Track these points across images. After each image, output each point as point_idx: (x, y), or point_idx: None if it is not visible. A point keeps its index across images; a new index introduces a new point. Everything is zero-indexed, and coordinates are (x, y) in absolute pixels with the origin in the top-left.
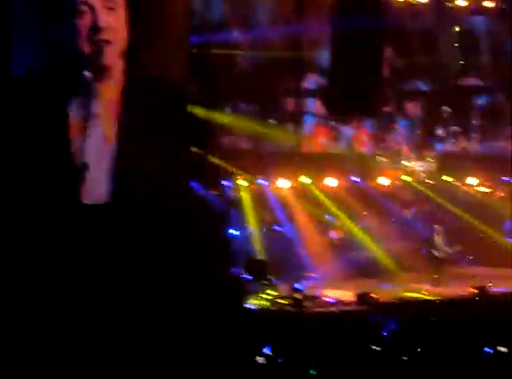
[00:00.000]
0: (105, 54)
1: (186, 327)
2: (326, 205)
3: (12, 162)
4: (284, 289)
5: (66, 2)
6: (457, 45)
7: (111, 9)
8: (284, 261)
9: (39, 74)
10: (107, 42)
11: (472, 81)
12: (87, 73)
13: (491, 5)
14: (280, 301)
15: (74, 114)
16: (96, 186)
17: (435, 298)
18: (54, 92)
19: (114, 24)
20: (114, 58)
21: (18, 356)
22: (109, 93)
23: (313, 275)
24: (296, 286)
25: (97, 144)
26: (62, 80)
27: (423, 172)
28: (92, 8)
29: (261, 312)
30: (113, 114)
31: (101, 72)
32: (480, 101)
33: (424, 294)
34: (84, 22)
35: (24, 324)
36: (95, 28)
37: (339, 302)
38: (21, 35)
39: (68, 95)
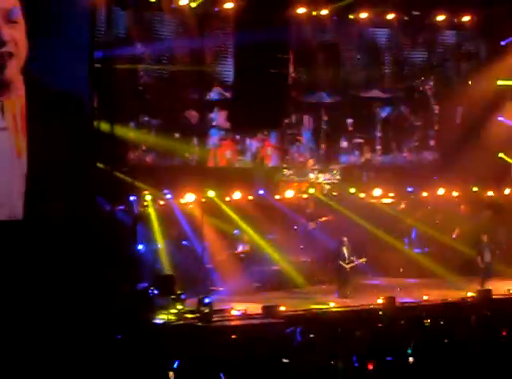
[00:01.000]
0: (8, 68)
1: (93, 342)
2: (233, 219)
3: None
4: (191, 303)
5: None
6: (359, 57)
7: (12, 22)
8: (191, 276)
9: None
10: (10, 55)
11: (376, 93)
12: None
13: (392, 17)
14: (188, 315)
15: None
16: (9, 202)
17: (342, 309)
18: None
19: (17, 38)
20: (16, 72)
21: None
22: (13, 107)
23: (220, 288)
24: (204, 300)
25: (8, 158)
26: None
27: (327, 184)
28: None
29: (169, 326)
30: (21, 127)
31: (3, 86)
32: (383, 113)
33: (331, 306)
34: None
35: None
36: None
37: (246, 315)
38: None
39: None
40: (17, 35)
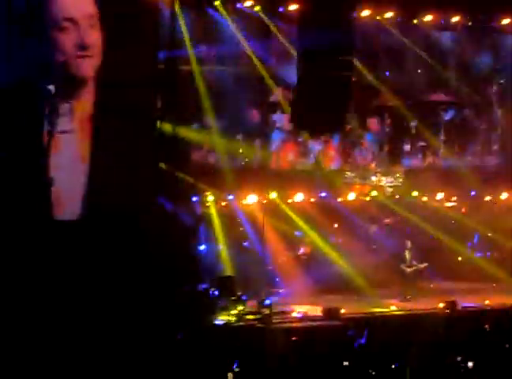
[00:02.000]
0: (84, 70)
1: (154, 343)
2: (294, 221)
3: None
4: (252, 305)
5: (49, 18)
6: (424, 60)
7: (92, 26)
8: (252, 277)
9: (16, 88)
10: (89, 57)
11: (440, 97)
12: (52, 88)
13: (457, 20)
14: (248, 316)
15: (48, 130)
16: (70, 203)
17: (404, 312)
18: (29, 107)
19: (94, 41)
20: (91, 74)
21: None
22: (83, 109)
23: (281, 290)
24: (264, 301)
25: (71, 161)
26: (38, 95)
27: (390, 187)
28: (76, 25)
29: (229, 327)
30: (86, 131)
31: (78, 86)
32: (447, 116)
33: (392, 310)
34: (68, 38)
35: None
36: (81, 45)
37: (307, 318)
38: (3, 48)
39: (43, 111)
40: (96, 40)
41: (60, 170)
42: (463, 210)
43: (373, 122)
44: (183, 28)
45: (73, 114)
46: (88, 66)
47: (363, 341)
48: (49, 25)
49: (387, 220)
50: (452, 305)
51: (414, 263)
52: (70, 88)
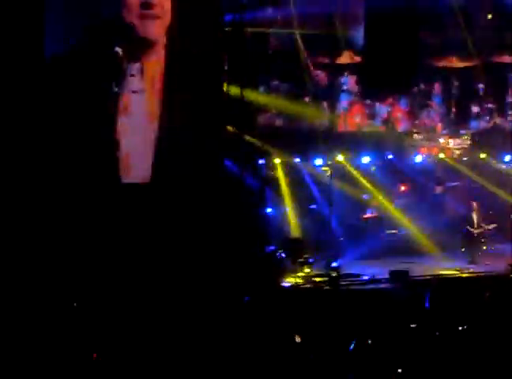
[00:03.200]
0: (153, 30)
1: (222, 304)
2: (362, 184)
3: (51, 140)
4: (319, 267)
5: None
6: (491, 22)
7: None
8: (319, 240)
9: (85, 46)
10: (157, 17)
11: (507, 58)
12: (119, 50)
13: None
14: (315, 279)
15: (115, 92)
16: (138, 165)
17: (471, 275)
18: (101, 65)
19: (161, 1)
20: (160, 34)
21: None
22: (152, 69)
23: (348, 253)
24: (332, 264)
25: (141, 122)
26: (108, 53)
27: (457, 149)
28: None
29: (297, 289)
30: (157, 90)
31: (147, 47)
32: None
33: (460, 272)
34: None
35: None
36: (146, 4)
37: (373, 280)
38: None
39: (114, 69)
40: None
41: (130, 130)
42: None
43: (440, 84)
44: None
45: (144, 74)
46: (156, 27)
47: (429, 304)
48: None
49: (455, 183)
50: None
51: (481, 225)
52: (139, 48)
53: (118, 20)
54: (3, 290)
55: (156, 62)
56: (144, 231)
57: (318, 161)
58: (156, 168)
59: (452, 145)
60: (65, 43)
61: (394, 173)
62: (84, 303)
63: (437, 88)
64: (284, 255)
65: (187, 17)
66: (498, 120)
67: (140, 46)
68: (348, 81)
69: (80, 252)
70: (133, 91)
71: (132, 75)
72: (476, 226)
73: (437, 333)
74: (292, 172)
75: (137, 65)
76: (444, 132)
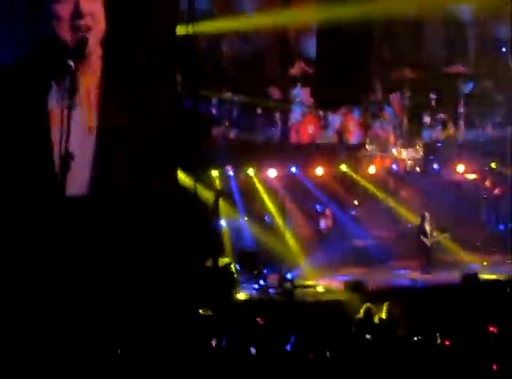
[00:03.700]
0: (85, 41)
1: (174, 319)
2: (315, 195)
3: None
4: (273, 279)
5: None
6: (443, 33)
7: None
8: (273, 251)
9: (19, 62)
10: (88, 28)
11: (459, 69)
12: (69, 61)
13: None
14: (269, 290)
15: (55, 104)
16: (79, 178)
17: (424, 284)
18: (35, 81)
19: (94, 11)
20: (94, 46)
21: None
22: (88, 81)
23: (302, 264)
24: (286, 275)
25: (79, 135)
26: (42, 68)
27: (410, 160)
28: None
29: (251, 302)
30: (93, 103)
31: (81, 59)
32: (467, 88)
33: (414, 282)
34: (66, 9)
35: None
36: (77, 14)
37: (329, 291)
38: (2, 22)
39: (48, 84)
40: (95, 9)
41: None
42: (487, 183)
43: (392, 96)
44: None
45: (79, 87)
46: (90, 39)
47: (384, 314)
48: None
49: (406, 192)
50: (472, 277)
51: (433, 234)
52: (75, 61)
53: (53, 32)
54: None
55: (91, 75)
56: (91, 245)
57: (272, 172)
58: (97, 181)
59: (405, 156)
60: (12, 54)
61: (348, 184)
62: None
63: (390, 98)
64: (238, 267)
65: (132, 27)
66: (451, 130)
67: (74, 59)
68: (301, 93)
69: (20, 267)
70: (71, 104)
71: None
72: (429, 236)
73: (393, 344)
74: (246, 184)
75: (73, 77)
76: (397, 142)
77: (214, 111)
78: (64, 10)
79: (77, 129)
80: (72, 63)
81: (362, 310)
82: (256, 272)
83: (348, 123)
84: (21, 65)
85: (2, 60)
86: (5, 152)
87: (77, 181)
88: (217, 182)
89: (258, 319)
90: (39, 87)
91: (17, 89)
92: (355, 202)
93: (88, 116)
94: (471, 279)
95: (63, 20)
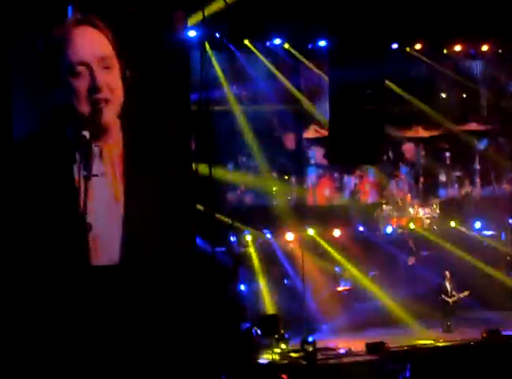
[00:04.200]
0: (104, 114)
1: None
2: (333, 256)
3: (17, 226)
4: (295, 342)
5: (63, 64)
6: (456, 90)
7: (107, 68)
8: (294, 315)
9: (39, 136)
10: (106, 101)
11: (472, 126)
12: (86, 134)
13: (486, 48)
14: (292, 354)
15: (78, 175)
16: (107, 248)
17: (447, 344)
18: (56, 154)
19: (111, 84)
20: (112, 117)
21: None
22: (111, 153)
23: (323, 327)
24: (308, 338)
25: (106, 205)
26: (62, 142)
27: (427, 218)
28: (89, 68)
29: (274, 366)
30: (119, 173)
31: (101, 131)
32: (481, 145)
33: (436, 341)
34: (82, 83)
35: None
36: (94, 88)
37: (350, 353)
38: (22, 97)
39: (70, 156)
40: (112, 81)
41: (95, 214)
42: (503, 238)
43: (408, 154)
44: (216, 68)
45: (103, 156)
46: (108, 111)
47: (407, 374)
48: (65, 71)
49: (426, 252)
50: (495, 334)
51: (454, 293)
52: (95, 132)
53: (71, 105)
54: None
55: (113, 145)
56: (115, 313)
57: (289, 235)
58: (126, 249)
59: (422, 215)
60: (31, 126)
61: (366, 245)
62: None
63: (405, 157)
64: (259, 331)
65: (147, 97)
66: (468, 188)
67: (96, 130)
68: (316, 155)
69: (50, 338)
70: (94, 175)
71: (91, 158)
72: (450, 294)
73: None
74: (264, 248)
75: (95, 149)
76: (413, 201)
77: (229, 176)
78: (80, 84)
79: (102, 198)
80: (87, 134)
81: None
82: (277, 335)
83: (363, 184)
84: (40, 139)
85: (21, 134)
86: (36, 217)
87: (106, 251)
88: (236, 247)
89: (283, 376)
90: (62, 156)
91: (37, 162)
92: (374, 261)
93: (114, 186)
94: (493, 335)
95: (80, 93)
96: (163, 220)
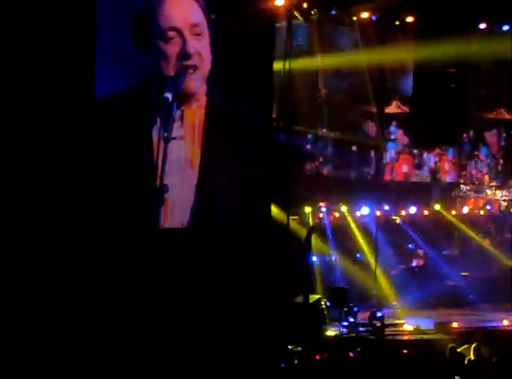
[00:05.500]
0: (192, 80)
1: (265, 354)
2: (407, 233)
3: (94, 181)
4: (364, 316)
5: (154, 28)
6: None
7: (198, 35)
8: (364, 289)
9: (123, 96)
10: (195, 67)
11: None
12: (169, 96)
13: None
14: (359, 328)
15: (157, 137)
16: (179, 211)
17: None
18: (138, 115)
19: (201, 51)
20: (199, 83)
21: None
22: (193, 117)
23: (394, 303)
24: (376, 313)
25: (181, 169)
26: (146, 103)
27: (504, 201)
28: (180, 34)
29: (341, 339)
30: (198, 137)
31: (186, 95)
32: None
33: (505, 324)
34: (173, 48)
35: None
36: (184, 54)
37: (418, 331)
38: (108, 58)
39: (152, 116)
40: (202, 48)
41: (171, 177)
42: None
43: (489, 135)
44: (300, 38)
45: (184, 121)
46: (195, 77)
47: (472, 356)
48: (156, 36)
49: (500, 233)
50: None
51: None
52: (180, 96)
53: (160, 69)
54: None
55: (196, 109)
56: (185, 277)
57: (365, 210)
58: (197, 214)
59: (499, 197)
60: (114, 87)
61: (441, 224)
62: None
63: (486, 139)
64: (328, 304)
65: (232, 65)
66: None
67: (180, 95)
68: (396, 131)
69: (116, 296)
70: (173, 138)
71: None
72: None
73: None
74: (339, 221)
75: (178, 112)
76: (492, 183)
77: (309, 147)
78: (171, 49)
79: (179, 162)
80: (170, 96)
81: (449, 351)
82: (346, 308)
83: (442, 163)
84: (127, 96)
85: (104, 95)
86: (106, 178)
87: (177, 214)
88: (310, 218)
89: (350, 353)
90: (143, 118)
91: (122, 118)
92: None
93: (191, 150)
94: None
95: (170, 58)
96: (238, 188)
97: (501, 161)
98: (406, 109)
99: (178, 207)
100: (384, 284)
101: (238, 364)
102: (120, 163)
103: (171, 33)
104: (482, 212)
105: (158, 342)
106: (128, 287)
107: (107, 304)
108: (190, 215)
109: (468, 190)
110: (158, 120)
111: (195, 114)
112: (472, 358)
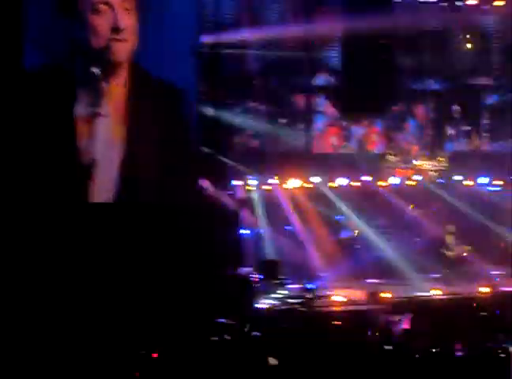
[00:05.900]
0: (119, 53)
1: (194, 328)
2: (337, 205)
3: (17, 155)
4: (294, 289)
5: (84, 1)
6: (467, 44)
7: (127, 9)
8: (294, 261)
9: (50, 68)
10: (124, 41)
11: (483, 80)
12: (98, 71)
13: (501, 4)
14: (290, 300)
15: (82, 111)
16: (104, 186)
17: (446, 297)
18: (64, 88)
19: (130, 25)
20: (125, 57)
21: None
22: (117, 93)
23: (324, 274)
24: (307, 285)
25: (105, 144)
26: (72, 77)
27: (433, 171)
28: (111, 8)
29: (271, 311)
30: (121, 114)
31: (112, 70)
32: (491, 100)
33: (435, 294)
34: (103, 21)
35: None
36: (115, 28)
37: (349, 301)
38: (34, 29)
39: (77, 92)
40: (131, 23)
41: (97, 152)
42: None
43: (417, 107)
44: (227, 11)
45: (109, 95)
46: (123, 51)
47: (405, 325)
48: (84, 8)
49: (428, 204)
50: (494, 288)
51: (456, 247)
52: (105, 71)
53: (87, 42)
54: None
55: (120, 85)
56: (113, 252)
57: (294, 182)
58: (125, 189)
59: (428, 167)
60: (44, 57)
61: (370, 195)
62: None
63: (413, 110)
64: (259, 276)
65: (157, 39)
66: (476, 142)
67: (106, 69)
68: (324, 103)
69: (42, 271)
70: (99, 113)
71: (98, 97)
72: (451, 248)
73: (416, 355)
74: (268, 194)
75: (103, 87)
76: (420, 154)
77: (237, 120)
78: (101, 22)
79: (103, 137)
80: (98, 70)
81: (382, 321)
82: (277, 281)
83: (370, 134)
84: (50, 70)
85: (32, 63)
86: (29, 157)
87: (103, 189)
88: (240, 192)
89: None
90: (67, 93)
91: (44, 94)
92: (377, 212)
93: (116, 126)
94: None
95: (99, 31)
96: (165, 163)
97: (429, 132)
98: (334, 81)
99: (104, 182)
100: (315, 256)
101: (168, 340)
102: (45, 138)
103: (102, 6)
104: (412, 183)
105: (85, 317)
106: (58, 263)
107: (37, 280)
108: (115, 190)
109: (397, 161)
110: (84, 94)
111: (120, 88)
112: (406, 327)
